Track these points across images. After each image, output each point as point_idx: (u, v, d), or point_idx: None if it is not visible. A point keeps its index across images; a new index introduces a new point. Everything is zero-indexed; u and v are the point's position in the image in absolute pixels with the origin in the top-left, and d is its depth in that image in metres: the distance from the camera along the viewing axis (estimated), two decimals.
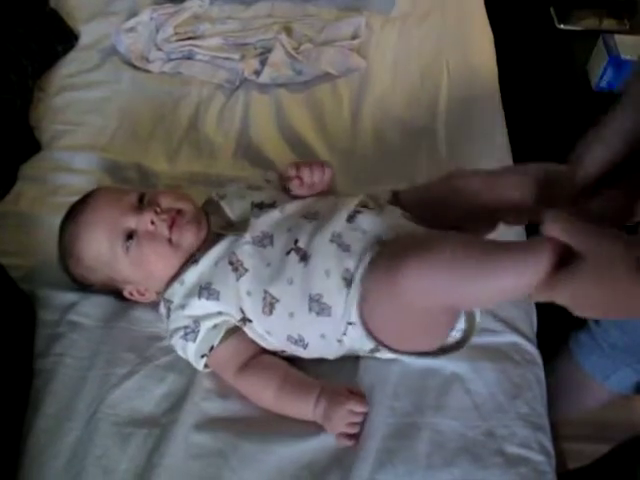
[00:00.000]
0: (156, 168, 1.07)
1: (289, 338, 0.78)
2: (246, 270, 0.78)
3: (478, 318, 0.75)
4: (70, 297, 0.88)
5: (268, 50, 1.25)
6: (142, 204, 0.83)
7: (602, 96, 1.47)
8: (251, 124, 1.15)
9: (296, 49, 1.25)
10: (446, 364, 0.78)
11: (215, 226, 0.84)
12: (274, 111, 1.17)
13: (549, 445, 0.74)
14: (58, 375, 0.81)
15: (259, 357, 0.79)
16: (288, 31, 1.29)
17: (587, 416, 1.23)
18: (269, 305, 0.77)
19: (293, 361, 0.81)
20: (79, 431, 0.76)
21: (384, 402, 0.76)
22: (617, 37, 1.46)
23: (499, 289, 0.61)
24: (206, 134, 1.14)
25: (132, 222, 0.81)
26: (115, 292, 0.87)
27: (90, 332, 0.85)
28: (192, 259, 0.82)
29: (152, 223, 0.81)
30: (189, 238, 0.82)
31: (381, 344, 0.73)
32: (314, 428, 0.75)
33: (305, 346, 0.78)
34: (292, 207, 0.83)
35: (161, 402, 0.79)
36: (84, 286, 0.87)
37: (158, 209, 0.82)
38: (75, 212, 0.85)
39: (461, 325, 0.75)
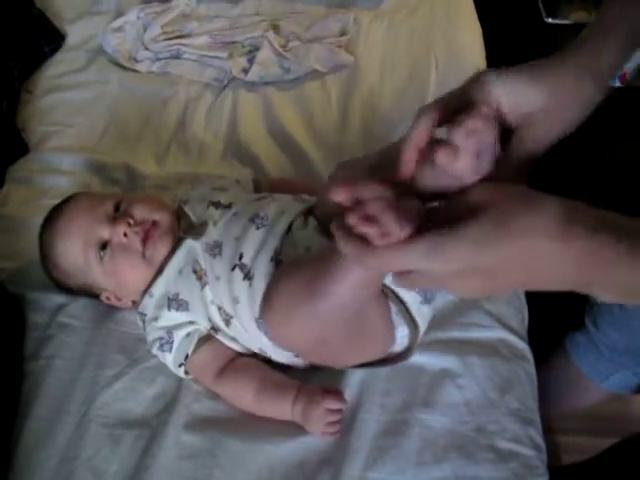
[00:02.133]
0: (144, 169, 1.06)
1: (254, 347, 0.78)
2: (208, 280, 0.78)
3: (421, 315, 0.72)
4: (59, 299, 0.88)
5: (256, 48, 1.24)
6: (118, 213, 0.82)
7: None
8: (240, 123, 1.15)
9: (284, 47, 1.24)
10: (436, 360, 0.78)
11: (178, 230, 0.83)
12: (263, 109, 1.17)
13: (540, 440, 0.74)
14: (48, 377, 0.81)
15: (236, 361, 0.78)
16: (276, 29, 1.29)
17: (581, 409, 1.23)
18: (224, 321, 0.77)
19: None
20: (70, 433, 0.76)
21: (375, 399, 0.76)
22: None
23: (347, 295, 0.57)
24: (194, 134, 1.13)
25: (106, 232, 0.81)
26: (94, 296, 0.86)
27: (80, 334, 0.85)
28: (158, 269, 0.81)
29: (125, 235, 0.80)
30: (162, 251, 0.81)
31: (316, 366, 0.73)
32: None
33: (270, 356, 0.78)
34: (243, 208, 0.80)
35: (151, 404, 0.79)
36: (65, 290, 0.87)
37: (132, 220, 0.80)
38: (52, 219, 0.85)
39: (404, 331, 0.72)
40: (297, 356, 0.76)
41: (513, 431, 0.73)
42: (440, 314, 0.83)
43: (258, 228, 0.75)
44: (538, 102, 0.50)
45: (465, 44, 1.29)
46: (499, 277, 0.45)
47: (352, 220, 0.45)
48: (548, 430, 0.77)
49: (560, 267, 0.44)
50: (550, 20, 1.59)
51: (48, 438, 0.76)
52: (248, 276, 0.72)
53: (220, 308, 0.76)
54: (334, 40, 1.26)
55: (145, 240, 0.80)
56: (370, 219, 0.44)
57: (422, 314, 0.72)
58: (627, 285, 0.44)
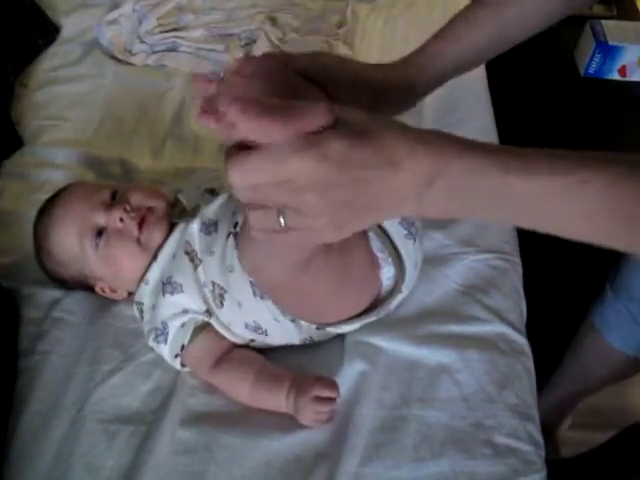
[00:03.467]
0: (140, 163, 1.05)
1: (247, 326, 0.77)
2: (200, 260, 0.78)
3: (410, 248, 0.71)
4: (54, 294, 0.87)
5: (253, 41, 1.23)
6: (114, 201, 0.82)
7: (590, 82, 1.47)
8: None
9: (281, 39, 1.24)
10: (433, 354, 0.77)
11: (172, 217, 0.83)
12: None
13: (538, 435, 0.73)
14: (44, 373, 0.80)
15: (232, 352, 0.78)
16: (273, 21, 1.28)
17: (579, 403, 1.23)
18: (219, 297, 0.76)
19: (271, 354, 0.80)
20: (65, 428, 0.75)
21: (372, 394, 0.75)
22: (604, 23, 1.45)
23: None
24: (190, 127, 1.12)
25: (102, 219, 0.81)
26: (89, 288, 0.86)
27: (75, 329, 0.84)
28: (153, 255, 0.81)
29: (121, 220, 0.80)
30: (157, 238, 0.81)
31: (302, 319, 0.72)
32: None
33: (265, 333, 0.77)
34: None
35: (147, 399, 0.78)
36: (58, 282, 0.86)
37: (128, 207, 0.80)
38: (47, 206, 0.85)
39: (390, 271, 0.71)
40: (293, 320, 0.74)
41: (511, 426, 0.72)
42: (437, 307, 0.82)
43: None
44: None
45: None
46: (355, 197, 0.45)
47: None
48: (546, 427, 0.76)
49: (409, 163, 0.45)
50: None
51: (43, 433, 0.75)
52: (238, 242, 0.72)
53: (214, 284, 0.76)
54: (331, 33, 1.25)
55: (141, 225, 0.80)
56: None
57: (407, 250, 0.71)
58: (464, 185, 0.45)
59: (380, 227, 0.70)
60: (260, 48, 1.20)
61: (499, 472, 0.70)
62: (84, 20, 1.29)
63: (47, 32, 1.25)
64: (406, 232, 0.72)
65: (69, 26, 1.28)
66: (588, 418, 1.29)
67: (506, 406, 0.74)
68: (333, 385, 0.72)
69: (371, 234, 0.71)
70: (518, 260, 0.90)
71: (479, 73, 1.19)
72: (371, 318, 0.75)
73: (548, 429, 1.11)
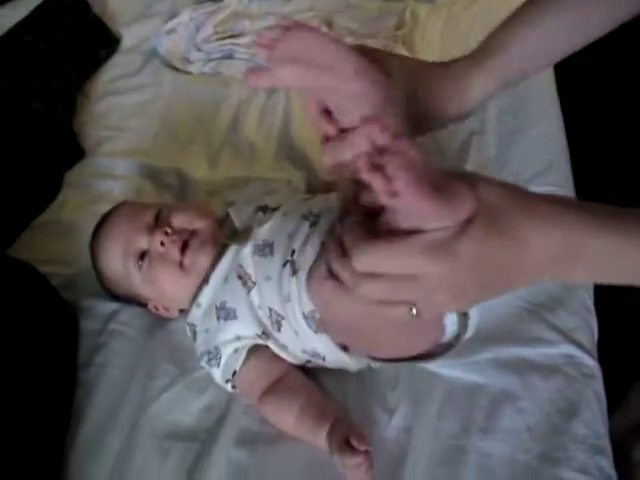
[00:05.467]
0: (196, 173, 1.05)
1: (304, 352, 0.75)
2: (254, 283, 0.75)
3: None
4: (111, 306, 0.88)
5: None
6: (158, 222, 0.82)
7: None
8: (293, 124, 1.12)
9: None
10: (494, 381, 0.73)
11: (221, 236, 0.81)
12: None
13: (610, 469, 0.67)
14: (100, 386, 0.81)
15: (284, 379, 0.75)
16: (329, 24, 1.25)
17: None
18: (276, 322, 0.74)
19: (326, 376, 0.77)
20: (120, 443, 0.76)
21: (428, 423, 0.72)
22: None
23: None
24: (247, 136, 1.11)
25: (144, 242, 0.80)
26: (143, 305, 0.86)
27: (131, 341, 0.85)
28: (204, 278, 0.80)
29: (162, 244, 0.79)
30: (203, 261, 0.79)
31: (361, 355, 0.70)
32: None
33: (323, 358, 0.74)
34: (294, 207, 0.78)
35: (201, 416, 0.77)
36: (115, 298, 0.87)
37: (169, 230, 0.79)
38: (98, 227, 0.86)
39: (454, 318, 0.67)
40: (346, 350, 0.72)
41: (581, 460, 0.67)
42: (499, 328, 0.78)
43: (311, 226, 0.73)
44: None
45: None
46: (498, 279, 0.45)
47: (360, 165, 0.41)
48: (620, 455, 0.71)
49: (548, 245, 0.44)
50: None
51: (100, 447, 0.76)
52: (295, 272, 0.70)
53: (271, 310, 0.74)
54: (389, 35, 1.22)
55: (183, 249, 0.79)
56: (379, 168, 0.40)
57: None
58: (607, 258, 0.45)
59: None
60: None
61: None
62: (144, 30, 1.31)
63: (108, 43, 1.27)
64: None
65: (129, 37, 1.30)
66: None
67: (575, 437, 0.69)
68: (362, 439, 0.67)
69: None
70: None
71: (546, 74, 1.13)
72: (428, 362, 0.71)
73: (622, 453, 1.04)
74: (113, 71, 1.25)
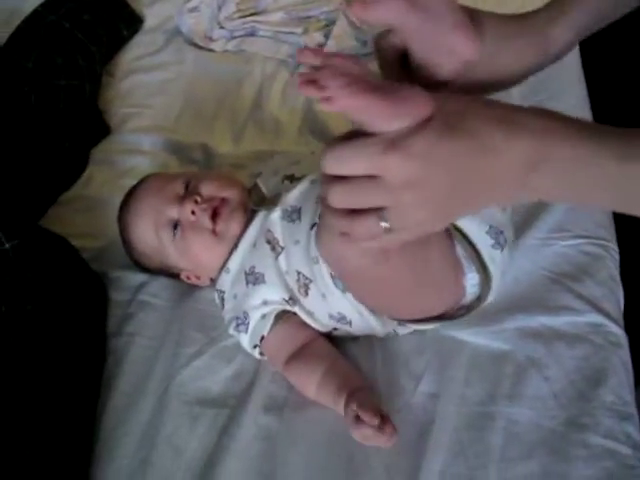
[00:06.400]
0: (221, 148, 1.06)
1: (331, 317, 0.75)
2: (282, 248, 0.76)
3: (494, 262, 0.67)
4: (140, 277, 0.89)
5: (332, 22, 1.21)
6: (187, 192, 0.82)
7: None
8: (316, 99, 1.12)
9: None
10: (520, 349, 0.73)
11: (250, 203, 0.82)
12: None
13: (638, 436, 0.67)
14: (130, 354, 0.82)
15: (310, 346, 0.76)
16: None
17: None
18: (304, 286, 0.74)
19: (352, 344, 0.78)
20: (151, 409, 0.77)
21: (454, 390, 0.72)
22: None
23: None
24: (270, 111, 1.12)
25: (175, 212, 0.81)
26: (174, 276, 0.87)
27: (160, 312, 0.86)
28: (234, 245, 0.80)
29: (193, 213, 0.80)
30: (234, 228, 0.80)
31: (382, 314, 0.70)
32: None
33: (349, 323, 0.75)
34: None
35: (229, 383, 0.78)
36: (145, 270, 0.88)
37: (199, 198, 0.80)
38: (126, 202, 0.87)
39: (474, 279, 0.68)
40: (373, 313, 0.72)
41: (608, 426, 0.67)
42: (525, 297, 0.78)
43: None
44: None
45: None
46: (476, 186, 0.45)
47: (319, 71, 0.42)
48: None
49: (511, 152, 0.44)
50: None
51: (130, 414, 0.77)
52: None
53: (299, 273, 0.74)
54: None
55: (214, 217, 0.80)
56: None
57: (494, 260, 0.68)
58: (569, 168, 0.44)
59: (465, 236, 0.67)
60: (339, 29, 1.18)
61: (594, 476, 0.64)
62: (166, 9, 1.31)
63: (131, 23, 1.28)
64: (493, 242, 0.68)
65: (152, 16, 1.31)
66: None
67: (601, 404, 0.68)
68: (374, 414, 0.67)
69: (456, 241, 0.67)
70: (614, 246, 0.84)
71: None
72: (448, 321, 0.72)
73: None
74: (137, 50, 1.26)
